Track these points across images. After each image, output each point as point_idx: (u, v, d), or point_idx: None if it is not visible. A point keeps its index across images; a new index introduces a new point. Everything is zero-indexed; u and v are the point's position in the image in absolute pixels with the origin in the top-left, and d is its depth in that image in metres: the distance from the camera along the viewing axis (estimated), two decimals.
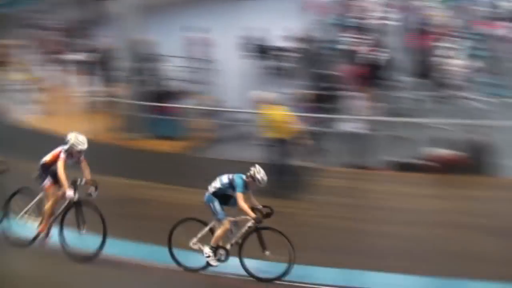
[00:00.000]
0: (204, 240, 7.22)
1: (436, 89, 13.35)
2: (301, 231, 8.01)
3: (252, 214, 6.91)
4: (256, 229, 7.03)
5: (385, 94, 13.03)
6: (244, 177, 7.12)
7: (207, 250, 7.20)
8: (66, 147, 7.33)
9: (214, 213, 7.14)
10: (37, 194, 7.55)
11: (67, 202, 7.29)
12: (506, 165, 10.44)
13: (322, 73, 13.58)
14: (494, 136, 10.69)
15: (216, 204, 7.12)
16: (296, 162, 10.29)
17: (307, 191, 9.85)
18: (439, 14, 16.98)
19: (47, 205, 7.39)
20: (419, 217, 8.62)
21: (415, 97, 13.20)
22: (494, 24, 16.63)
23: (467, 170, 10.48)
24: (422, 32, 15.90)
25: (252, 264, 7.14)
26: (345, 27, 17.23)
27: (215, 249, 7.21)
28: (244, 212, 6.94)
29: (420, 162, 10.63)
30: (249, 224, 7.03)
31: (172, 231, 7.28)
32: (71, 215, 7.31)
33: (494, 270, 6.91)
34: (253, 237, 7.06)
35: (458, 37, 15.26)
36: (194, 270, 7.32)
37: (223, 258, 7.22)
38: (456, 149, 10.76)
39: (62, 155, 7.27)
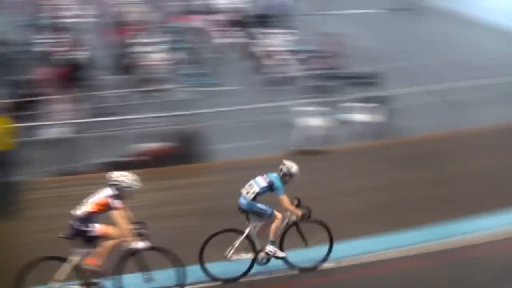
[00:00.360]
0: (241, 249, 7.12)
1: (139, 84, 13.39)
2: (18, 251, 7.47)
3: (299, 212, 7.14)
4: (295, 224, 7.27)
5: (88, 94, 12.64)
6: (278, 176, 7.11)
7: (270, 248, 7.20)
8: (114, 191, 6.31)
9: (260, 214, 7.11)
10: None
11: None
12: (217, 149, 11.03)
13: (19, 78, 12.69)
14: (203, 123, 11.16)
15: (259, 205, 7.09)
16: (8, 177, 9.41)
17: (18, 208, 9.00)
18: (135, 10, 17.02)
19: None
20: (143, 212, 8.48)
21: (120, 94, 13.06)
22: (190, 18, 17.31)
23: (180, 159, 10.71)
24: (119, 28, 15.76)
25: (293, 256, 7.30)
26: (39, 28, 16.10)
27: (273, 243, 7.22)
28: (292, 211, 7.13)
29: (132, 158, 10.49)
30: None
31: (203, 246, 6.96)
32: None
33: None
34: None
35: (156, 31, 15.52)
36: (234, 280, 7.14)
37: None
38: (166, 140, 10.93)
39: (117, 202, 6.21)
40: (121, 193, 6.37)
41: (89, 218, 6.34)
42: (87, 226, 6.31)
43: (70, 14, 17.19)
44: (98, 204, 6.33)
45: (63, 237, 6.33)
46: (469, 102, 12.16)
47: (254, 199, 7.09)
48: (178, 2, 18.65)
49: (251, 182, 7.17)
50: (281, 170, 7.19)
